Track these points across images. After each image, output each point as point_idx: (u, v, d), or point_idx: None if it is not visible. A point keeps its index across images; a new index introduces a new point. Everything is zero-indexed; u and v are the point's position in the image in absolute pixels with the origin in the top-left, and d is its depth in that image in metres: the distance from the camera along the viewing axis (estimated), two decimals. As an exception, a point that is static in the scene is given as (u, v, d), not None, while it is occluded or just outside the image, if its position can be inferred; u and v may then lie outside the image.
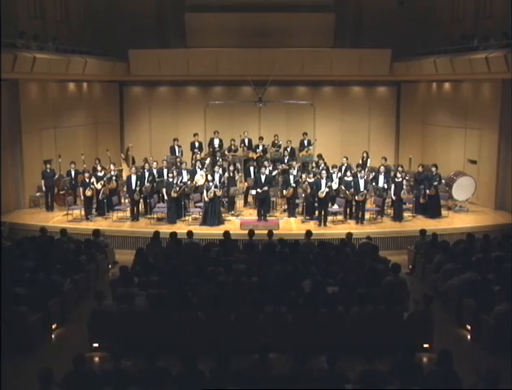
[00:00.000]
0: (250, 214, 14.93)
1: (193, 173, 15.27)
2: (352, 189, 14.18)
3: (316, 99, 19.33)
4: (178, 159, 16.54)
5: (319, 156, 16.61)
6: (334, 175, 14.77)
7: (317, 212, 14.29)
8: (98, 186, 14.55)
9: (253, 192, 14.86)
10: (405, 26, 18.35)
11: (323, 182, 13.93)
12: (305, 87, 19.94)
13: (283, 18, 18.81)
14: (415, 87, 19.32)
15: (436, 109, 18.24)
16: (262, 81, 16.58)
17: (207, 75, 18.56)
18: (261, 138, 17.86)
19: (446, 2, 18.15)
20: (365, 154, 17.05)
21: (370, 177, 15.43)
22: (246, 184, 15.84)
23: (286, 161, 16.55)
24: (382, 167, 15.10)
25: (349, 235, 11.97)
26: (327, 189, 13.88)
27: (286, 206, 15.17)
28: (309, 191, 14.14)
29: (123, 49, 18.11)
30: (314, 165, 16.19)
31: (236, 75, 17.85)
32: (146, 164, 15.22)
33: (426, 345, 8.18)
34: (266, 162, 15.57)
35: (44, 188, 15.26)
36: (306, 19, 18.87)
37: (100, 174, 14.82)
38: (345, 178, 14.55)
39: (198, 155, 17.23)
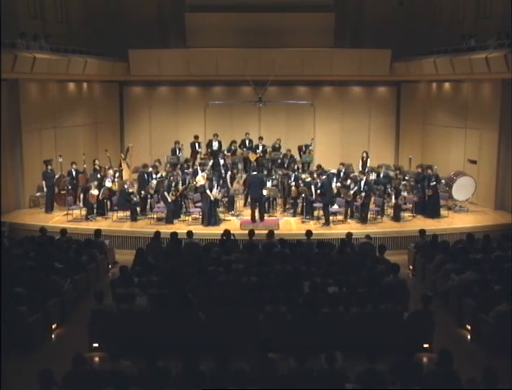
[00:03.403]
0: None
1: (193, 176, 15.36)
2: (352, 191, 14.24)
3: (316, 99, 19.34)
4: (181, 159, 16.63)
5: (319, 167, 16.40)
6: (333, 184, 14.79)
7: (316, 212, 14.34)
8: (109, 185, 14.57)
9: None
10: (405, 26, 18.38)
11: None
12: (305, 87, 19.94)
13: (283, 18, 18.83)
14: (415, 87, 19.32)
15: (436, 109, 18.24)
16: (262, 81, 16.59)
17: (207, 75, 18.57)
18: (260, 138, 17.86)
19: (446, 2, 18.18)
20: (364, 154, 17.04)
21: (371, 177, 15.47)
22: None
23: (286, 166, 16.46)
24: (375, 173, 15.34)
25: (349, 235, 11.97)
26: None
27: (286, 206, 15.18)
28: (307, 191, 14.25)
29: (123, 49, 18.12)
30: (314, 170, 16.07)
31: (236, 75, 17.85)
32: (150, 168, 15.25)
33: (426, 345, 8.19)
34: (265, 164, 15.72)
35: (45, 189, 15.14)
36: (306, 19, 18.88)
37: (110, 176, 14.86)
38: (344, 182, 14.64)
39: (199, 155, 17.28)
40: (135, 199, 14.44)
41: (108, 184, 14.61)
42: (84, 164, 15.89)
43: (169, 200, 14.14)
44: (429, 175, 14.77)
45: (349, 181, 14.66)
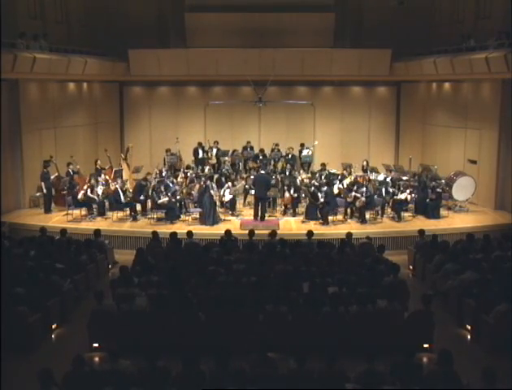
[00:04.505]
0: (251, 215, 14.91)
1: (191, 181, 15.42)
2: (353, 193, 14.33)
3: (316, 99, 19.33)
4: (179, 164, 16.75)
5: (323, 165, 16.46)
6: (335, 187, 14.80)
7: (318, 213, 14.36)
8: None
9: (253, 191, 14.91)
10: (405, 26, 18.35)
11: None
12: (305, 87, 19.94)
13: (283, 18, 18.81)
14: (415, 87, 19.32)
15: (436, 109, 18.23)
16: (262, 81, 16.58)
17: (207, 75, 18.57)
18: (261, 150, 17.94)
19: (446, 2, 18.16)
20: (365, 163, 16.99)
21: (373, 177, 15.50)
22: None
23: (287, 171, 16.45)
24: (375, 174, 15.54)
25: (349, 235, 11.97)
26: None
27: (286, 207, 15.21)
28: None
29: (123, 49, 18.10)
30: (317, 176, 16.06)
31: (236, 75, 17.85)
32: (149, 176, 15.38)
33: (426, 345, 8.19)
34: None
35: (45, 191, 15.03)
36: (306, 19, 18.86)
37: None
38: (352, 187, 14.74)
39: (210, 158, 17.41)
40: (124, 199, 14.48)
41: (99, 190, 14.61)
42: (77, 165, 15.88)
43: (164, 200, 14.16)
44: (434, 180, 14.91)
45: (354, 187, 14.74)
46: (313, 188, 14.51)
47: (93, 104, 18.84)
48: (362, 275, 9.49)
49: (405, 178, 15.59)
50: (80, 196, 14.46)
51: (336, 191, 14.62)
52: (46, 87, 16.53)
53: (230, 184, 15.23)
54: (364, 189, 14.30)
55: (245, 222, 14.19)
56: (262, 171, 15.04)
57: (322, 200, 14.06)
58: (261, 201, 14.36)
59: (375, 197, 14.60)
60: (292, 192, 14.74)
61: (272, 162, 17.09)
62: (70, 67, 15.64)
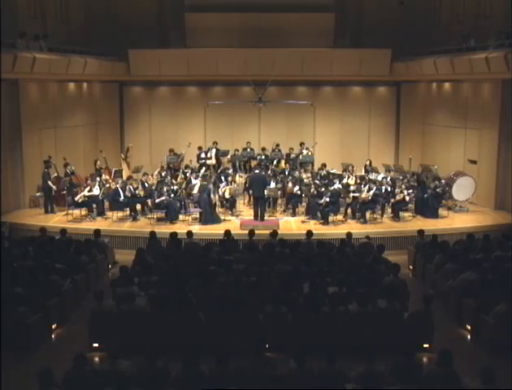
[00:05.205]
0: (251, 215, 14.92)
1: (188, 182, 15.45)
2: (352, 194, 14.34)
3: (316, 99, 19.32)
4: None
5: (323, 165, 16.52)
6: (336, 185, 14.82)
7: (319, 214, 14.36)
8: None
9: (251, 191, 14.93)
10: (405, 26, 18.36)
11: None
12: (305, 87, 19.95)
13: (283, 18, 18.84)
14: (415, 87, 19.32)
15: (436, 109, 18.23)
16: (262, 81, 16.58)
17: (207, 75, 18.58)
18: (263, 148, 17.93)
19: (446, 2, 18.15)
20: (368, 162, 16.99)
21: (372, 177, 15.51)
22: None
23: (287, 171, 16.49)
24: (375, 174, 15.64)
25: (349, 235, 11.97)
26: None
27: (286, 206, 15.22)
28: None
29: (123, 49, 18.13)
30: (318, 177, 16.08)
31: (236, 75, 17.86)
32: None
33: (426, 345, 8.19)
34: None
35: (55, 188, 14.93)
36: (306, 19, 18.89)
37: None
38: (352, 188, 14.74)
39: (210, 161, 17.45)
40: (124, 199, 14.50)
41: (96, 191, 14.61)
42: (72, 166, 15.85)
43: (162, 199, 14.18)
44: (438, 180, 15.00)
45: (352, 187, 14.72)
46: (323, 188, 14.47)
47: (93, 104, 18.83)
48: (362, 275, 9.48)
49: (405, 178, 15.57)
50: (77, 197, 14.46)
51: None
52: (46, 87, 16.52)
53: (225, 182, 15.26)
54: (374, 187, 14.30)
55: (245, 222, 14.20)
56: (257, 171, 15.02)
57: (328, 199, 14.04)
58: (260, 200, 14.36)
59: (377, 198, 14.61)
60: (296, 189, 14.71)
61: (274, 162, 17.11)
62: (70, 67, 15.65)
